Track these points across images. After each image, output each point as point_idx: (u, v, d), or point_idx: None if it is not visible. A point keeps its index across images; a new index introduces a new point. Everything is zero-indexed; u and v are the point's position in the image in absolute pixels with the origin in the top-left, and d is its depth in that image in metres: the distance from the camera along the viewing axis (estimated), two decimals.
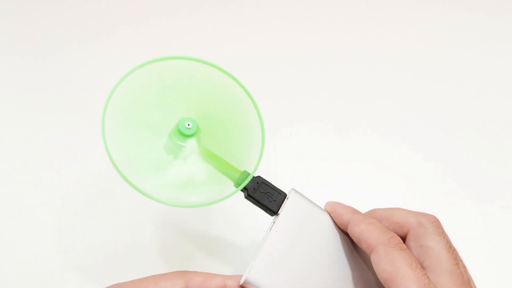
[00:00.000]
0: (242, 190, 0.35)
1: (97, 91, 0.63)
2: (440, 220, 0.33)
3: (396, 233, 0.32)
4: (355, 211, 0.34)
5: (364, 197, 0.51)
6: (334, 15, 0.69)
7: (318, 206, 0.36)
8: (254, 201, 0.35)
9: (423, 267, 0.30)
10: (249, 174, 0.35)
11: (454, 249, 0.31)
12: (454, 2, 0.70)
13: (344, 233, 0.35)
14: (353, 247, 0.34)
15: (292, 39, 0.66)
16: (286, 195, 0.35)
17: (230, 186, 0.35)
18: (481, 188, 0.53)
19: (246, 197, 0.35)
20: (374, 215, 0.34)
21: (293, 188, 0.36)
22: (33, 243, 0.49)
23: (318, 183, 0.53)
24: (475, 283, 0.33)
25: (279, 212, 0.34)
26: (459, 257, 0.31)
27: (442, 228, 0.33)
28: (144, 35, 0.66)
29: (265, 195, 0.34)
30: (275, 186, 0.35)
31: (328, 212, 0.35)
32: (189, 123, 0.34)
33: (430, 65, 0.64)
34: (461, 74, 0.63)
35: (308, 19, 0.68)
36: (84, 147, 0.55)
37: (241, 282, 0.32)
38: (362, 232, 0.31)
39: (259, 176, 0.35)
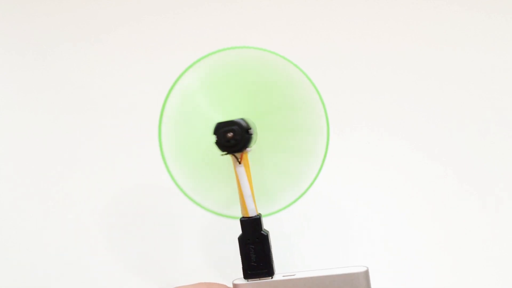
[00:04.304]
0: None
1: (97, 91, 0.63)
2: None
3: None
4: None
5: (364, 197, 0.51)
6: (334, 15, 0.68)
7: None
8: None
9: None
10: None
11: None
12: (454, 2, 0.70)
13: None
14: None
15: (292, 39, 0.66)
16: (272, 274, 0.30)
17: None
18: (482, 188, 0.53)
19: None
20: None
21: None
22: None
23: (318, 183, 0.53)
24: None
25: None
26: None
27: None
28: (144, 35, 0.66)
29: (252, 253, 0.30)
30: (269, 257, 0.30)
31: None
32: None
33: (429, 65, 0.63)
34: (461, 74, 0.63)
35: (308, 19, 0.68)
36: (84, 145, 0.55)
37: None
38: None
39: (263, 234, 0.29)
